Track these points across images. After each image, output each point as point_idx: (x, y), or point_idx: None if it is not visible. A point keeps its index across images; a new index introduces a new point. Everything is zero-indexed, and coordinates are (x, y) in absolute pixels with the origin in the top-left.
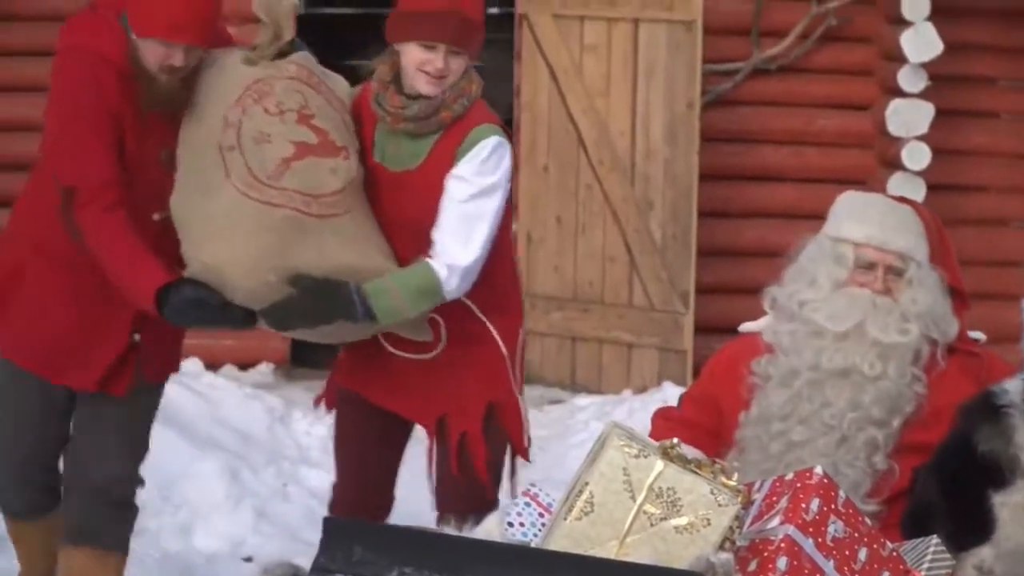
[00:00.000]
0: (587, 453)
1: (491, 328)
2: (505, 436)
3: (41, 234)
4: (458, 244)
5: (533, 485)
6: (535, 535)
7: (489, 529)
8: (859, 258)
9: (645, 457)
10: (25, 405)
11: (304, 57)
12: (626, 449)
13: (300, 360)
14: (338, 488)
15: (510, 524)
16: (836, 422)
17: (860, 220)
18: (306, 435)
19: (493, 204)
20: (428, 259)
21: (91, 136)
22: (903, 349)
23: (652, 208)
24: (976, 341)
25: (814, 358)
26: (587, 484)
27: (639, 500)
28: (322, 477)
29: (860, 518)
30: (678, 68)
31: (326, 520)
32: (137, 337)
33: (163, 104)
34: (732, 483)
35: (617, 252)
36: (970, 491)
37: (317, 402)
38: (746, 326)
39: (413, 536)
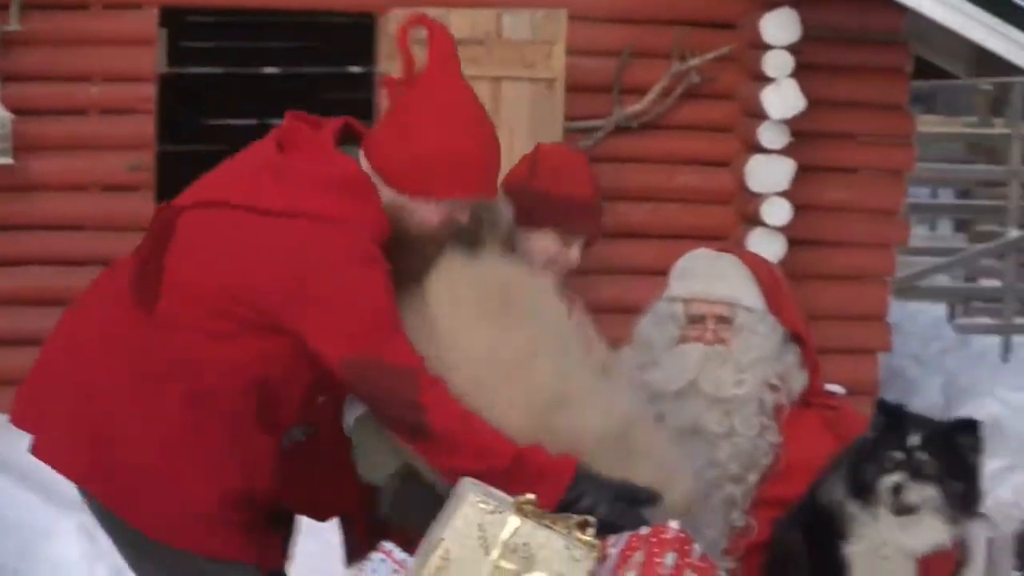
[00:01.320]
0: (442, 510)
1: None
2: None
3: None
4: None
5: (387, 542)
6: None
7: None
8: (689, 313)
9: (500, 513)
10: None
11: None
12: (481, 505)
13: None
14: None
15: None
16: None
17: (686, 276)
18: None
19: None
20: None
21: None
22: (741, 401)
23: None
24: (833, 394)
25: (658, 420)
26: (442, 540)
27: (494, 556)
28: None
29: (715, 572)
30: (540, 126)
31: None
32: None
33: (419, 274)
34: (587, 538)
35: None
36: (824, 542)
37: None
38: None
39: None
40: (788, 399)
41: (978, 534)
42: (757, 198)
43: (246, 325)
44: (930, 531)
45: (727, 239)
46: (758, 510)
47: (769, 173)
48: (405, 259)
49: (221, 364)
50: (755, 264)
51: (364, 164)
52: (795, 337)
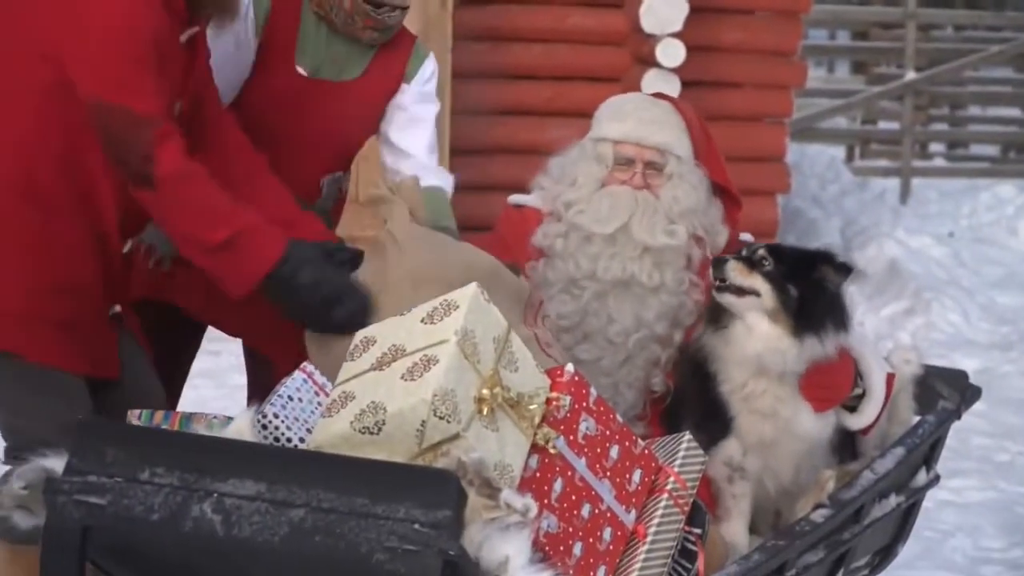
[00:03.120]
0: None
1: None
2: None
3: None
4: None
5: (308, 363)
6: (312, 411)
7: (240, 428)
8: (618, 155)
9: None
10: None
11: None
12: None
13: None
14: None
15: (290, 398)
16: (621, 340)
17: (618, 118)
18: None
19: None
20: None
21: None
22: (673, 253)
23: None
24: (746, 243)
25: (590, 266)
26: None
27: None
28: None
29: (612, 416)
30: None
31: (79, 422)
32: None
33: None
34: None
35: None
36: (703, 384)
37: None
38: (516, 198)
39: (164, 437)
40: (712, 254)
41: (875, 368)
42: (651, 39)
43: (44, 77)
44: (758, 333)
45: (620, 81)
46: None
47: (663, 14)
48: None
49: (24, 131)
50: (687, 113)
51: None
52: (718, 191)
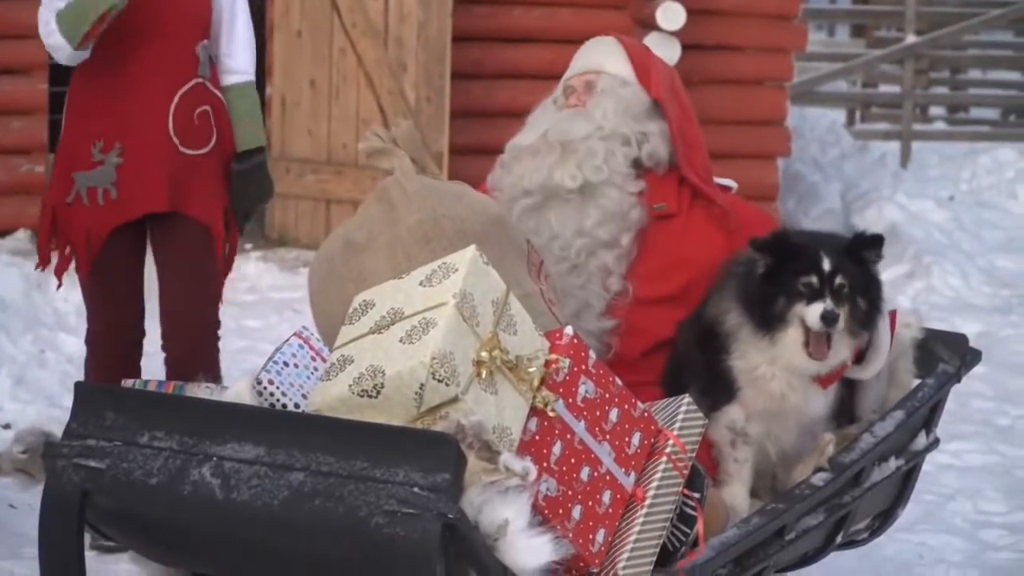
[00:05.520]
0: None
1: None
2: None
3: None
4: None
5: (305, 328)
6: (308, 377)
7: (240, 392)
8: (565, 90)
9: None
10: None
11: None
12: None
13: None
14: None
15: (286, 364)
16: (566, 253)
17: (571, 64)
18: (63, 301)
19: None
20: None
21: None
22: (586, 147)
23: (406, 71)
24: (727, 189)
25: (517, 182)
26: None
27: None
28: (79, 343)
29: (611, 379)
30: None
31: (77, 385)
32: None
33: None
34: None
35: (371, 115)
36: (714, 355)
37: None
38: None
39: (164, 401)
40: (651, 161)
41: (883, 337)
42: (652, 2)
43: None
44: (836, 351)
45: None
46: (637, 281)
47: None
48: None
49: None
50: (629, 43)
51: None
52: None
